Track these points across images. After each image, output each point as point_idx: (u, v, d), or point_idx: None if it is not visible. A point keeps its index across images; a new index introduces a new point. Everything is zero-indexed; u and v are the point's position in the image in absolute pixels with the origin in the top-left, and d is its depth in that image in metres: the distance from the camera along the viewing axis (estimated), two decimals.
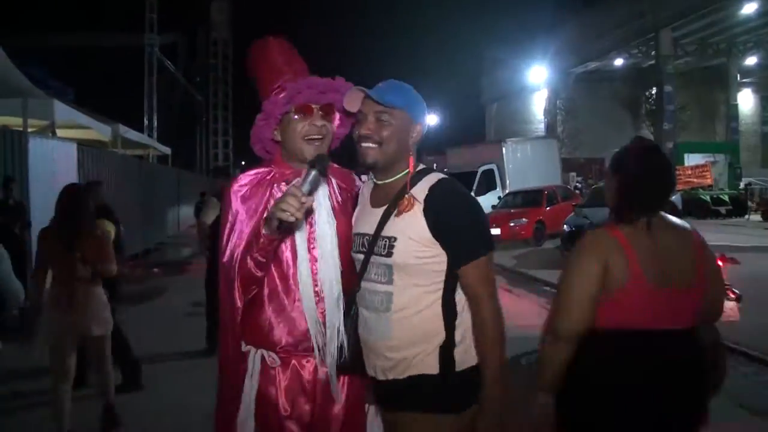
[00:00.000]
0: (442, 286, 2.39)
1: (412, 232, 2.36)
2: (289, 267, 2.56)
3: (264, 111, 2.58)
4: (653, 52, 34.54)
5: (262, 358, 2.56)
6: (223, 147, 52.38)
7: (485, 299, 2.34)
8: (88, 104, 18.33)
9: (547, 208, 20.07)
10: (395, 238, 2.38)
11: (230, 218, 2.58)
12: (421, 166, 2.54)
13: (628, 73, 41.05)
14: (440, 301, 2.39)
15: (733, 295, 7.61)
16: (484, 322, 2.33)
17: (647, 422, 2.48)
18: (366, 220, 2.55)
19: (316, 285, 2.55)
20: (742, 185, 29.17)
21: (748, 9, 27.36)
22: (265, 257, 2.44)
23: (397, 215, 2.41)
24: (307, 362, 2.58)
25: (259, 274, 2.48)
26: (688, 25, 29.90)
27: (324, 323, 2.55)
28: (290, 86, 2.53)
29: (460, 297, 2.42)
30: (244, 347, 2.60)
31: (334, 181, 2.73)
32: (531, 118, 45.85)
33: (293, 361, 2.57)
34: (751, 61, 37.03)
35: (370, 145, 2.43)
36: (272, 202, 2.51)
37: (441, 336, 2.37)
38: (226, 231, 2.57)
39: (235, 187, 2.62)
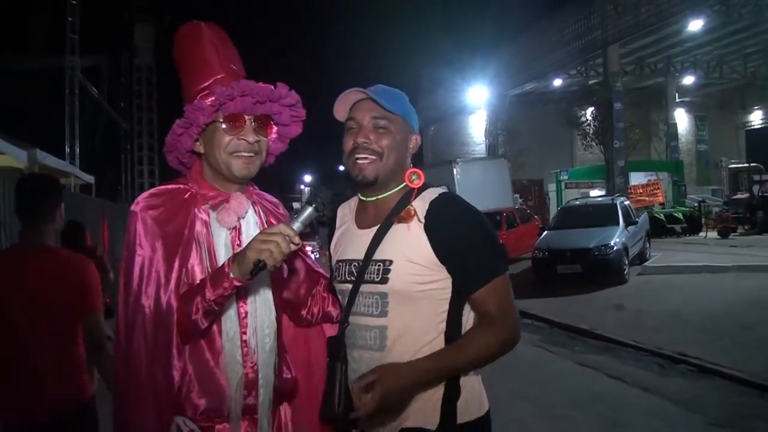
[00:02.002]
0: (445, 318, 2.09)
1: (412, 254, 2.07)
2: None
3: (186, 117, 2.16)
4: (592, 72, 34.55)
5: (178, 428, 2.11)
6: (149, 176, 50.26)
7: (500, 329, 2.03)
8: (5, 130, 16.38)
9: (507, 232, 18.90)
10: (391, 261, 2.09)
11: (141, 249, 2.10)
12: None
13: (564, 94, 41.12)
14: (443, 338, 2.09)
15: None
16: (488, 344, 2.02)
17: None
18: (352, 244, 2.26)
19: (245, 332, 2.18)
20: (695, 203, 28.80)
21: (695, 26, 27.04)
22: (220, 305, 2.03)
23: (397, 224, 2.12)
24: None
25: (206, 325, 2.05)
26: (628, 44, 29.64)
27: (256, 380, 2.17)
28: (220, 91, 2.12)
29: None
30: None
31: (259, 205, 2.38)
32: (469, 140, 45.33)
33: (218, 429, 2.14)
34: (688, 80, 37.34)
35: (369, 156, 2.16)
36: (197, 227, 2.17)
37: (442, 381, 2.05)
38: (137, 265, 2.08)
39: (145, 207, 2.15)
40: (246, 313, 2.20)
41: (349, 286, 2.20)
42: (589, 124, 30.60)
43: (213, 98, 2.13)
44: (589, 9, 30.13)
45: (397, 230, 2.13)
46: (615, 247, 13.84)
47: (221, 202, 2.23)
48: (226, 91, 2.11)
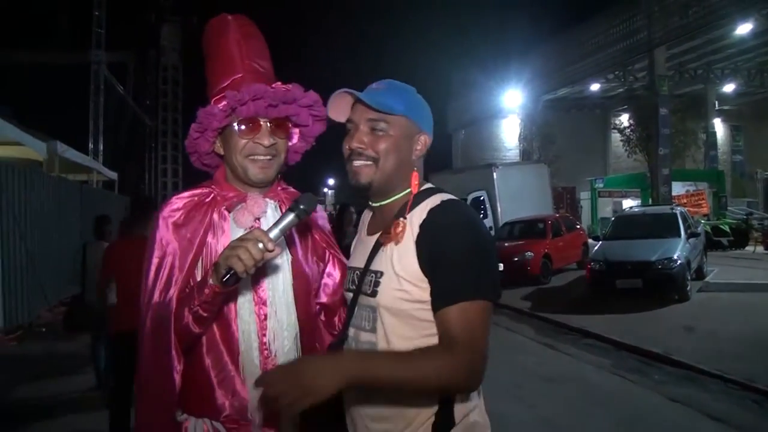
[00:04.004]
0: (436, 340, 1.84)
1: (399, 266, 1.92)
2: (230, 311, 2.11)
3: (199, 122, 2.15)
4: (631, 77, 33.44)
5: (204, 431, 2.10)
6: (173, 176, 50.06)
7: (459, 358, 1.75)
8: (30, 125, 15.58)
9: (552, 240, 17.76)
10: (381, 273, 1.96)
11: (158, 251, 2.12)
12: (428, 185, 2.10)
13: (599, 100, 40.20)
14: None
15: None
16: (438, 368, 1.73)
17: None
18: (359, 251, 2.18)
19: (265, 335, 2.14)
20: (743, 215, 27.42)
21: (742, 30, 25.89)
22: (208, 312, 1.98)
23: (384, 243, 1.99)
24: None
25: (198, 330, 2.03)
26: (668, 49, 28.49)
27: None
28: (231, 95, 2.07)
29: None
30: (179, 416, 2.11)
31: (286, 203, 2.28)
32: (500, 146, 44.39)
33: None
34: (728, 88, 36.27)
35: (364, 162, 2.03)
36: (214, 229, 2.17)
37: (434, 408, 1.89)
38: (153, 267, 2.11)
39: (166, 211, 2.17)
40: (266, 315, 2.16)
41: (351, 295, 2.12)
42: (633, 131, 29.33)
43: (224, 103, 2.09)
44: (634, 10, 28.98)
45: (391, 239, 1.98)
46: (678, 261, 12.63)
47: (238, 203, 2.21)
48: (237, 95, 2.08)
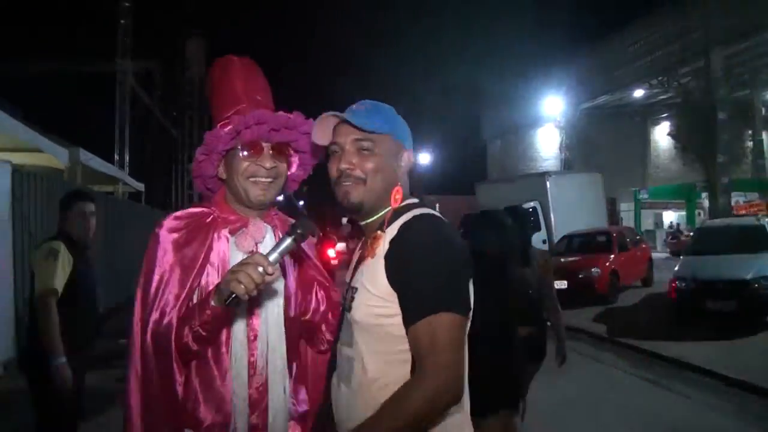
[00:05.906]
0: (409, 356, 1.89)
1: (370, 282, 1.96)
2: (222, 332, 2.18)
3: (205, 144, 2.25)
4: (675, 83, 32.08)
5: None
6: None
7: (429, 380, 1.75)
8: (59, 135, 14.67)
9: (618, 255, 16.21)
10: (356, 289, 2.01)
11: (159, 268, 2.16)
12: (411, 200, 2.08)
13: (639, 108, 38.92)
14: (410, 377, 1.88)
15: None
16: (417, 399, 1.74)
17: None
18: (351, 267, 2.21)
19: (252, 355, 2.23)
20: None
21: None
22: (207, 331, 2.06)
23: (364, 257, 2.04)
24: None
25: (196, 348, 2.10)
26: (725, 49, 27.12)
27: (260, 401, 2.21)
28: (237, 120, 2.20)
29: None
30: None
31: (281, 229, 2.39)
32: (536, 156, 43.17)
33: None
34: None
35: (353, 183, 2.02)
36: (213, 251, 2.23)
37: None
38: (155, 284, 2.14)
39: (167, 229, 2.22)
40: (255, 336, 2.23)
41: (340, 310, 2.16)
42: (689, 138, 27.99)
43: (230, 126, 2.18)
44: (687, 8, 27.62)
45: (368, 255, 2.02)
46: None
47: (240, 227, 2.28)
48: (242, 119, 2.17)
